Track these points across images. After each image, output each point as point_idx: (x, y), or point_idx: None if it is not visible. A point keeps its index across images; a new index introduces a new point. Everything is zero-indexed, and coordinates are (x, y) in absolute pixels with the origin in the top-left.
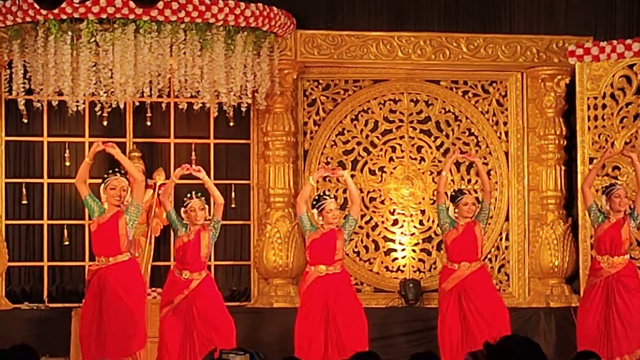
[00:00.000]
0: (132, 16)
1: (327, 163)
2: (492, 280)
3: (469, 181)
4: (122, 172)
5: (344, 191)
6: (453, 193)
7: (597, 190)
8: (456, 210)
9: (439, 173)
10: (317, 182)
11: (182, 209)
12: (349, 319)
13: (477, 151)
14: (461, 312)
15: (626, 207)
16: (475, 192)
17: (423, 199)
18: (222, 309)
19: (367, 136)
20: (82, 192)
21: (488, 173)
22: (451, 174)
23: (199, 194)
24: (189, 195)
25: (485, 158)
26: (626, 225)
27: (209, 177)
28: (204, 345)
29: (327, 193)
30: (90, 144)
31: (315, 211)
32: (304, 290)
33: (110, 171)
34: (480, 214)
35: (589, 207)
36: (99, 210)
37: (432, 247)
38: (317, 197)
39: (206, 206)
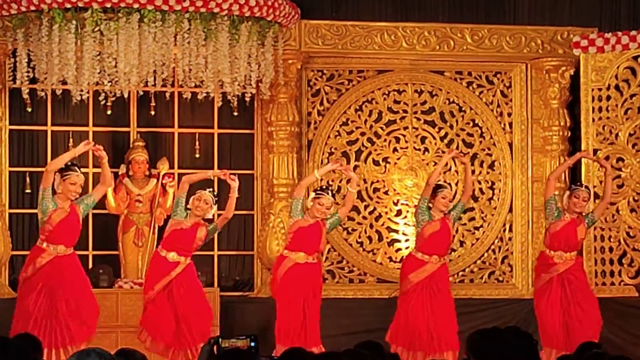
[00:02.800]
0: (136, 5)
1: (331, 154)
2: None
3: (473, 172)
4: (79, 166)
5: (348, 181)
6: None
7: (594, 186)
8: (431, 202)
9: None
10: (322, 178)
11: (193, 196)
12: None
13: (481, 142)
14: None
15: (582, 210)
16: (479, 182)
17: None
18: (203, 295)
19: (371, 127)
20: (48, 182)
21: (492, 164)
22: (455, 165)
23: (214, 193)
24: (208, 190)
25: (489, 149)
26: (582, 226)
27: (212, 167)
28: (189, 328)
29: (330, 187)
30: (94, 133)
31: (312, 195)
32: (282, 276)
33: (71, 164)
34: (453, 210)
35: (549, 200)
36: (53, 204)
37: None
38: (321, 187)
39: (213, 206)
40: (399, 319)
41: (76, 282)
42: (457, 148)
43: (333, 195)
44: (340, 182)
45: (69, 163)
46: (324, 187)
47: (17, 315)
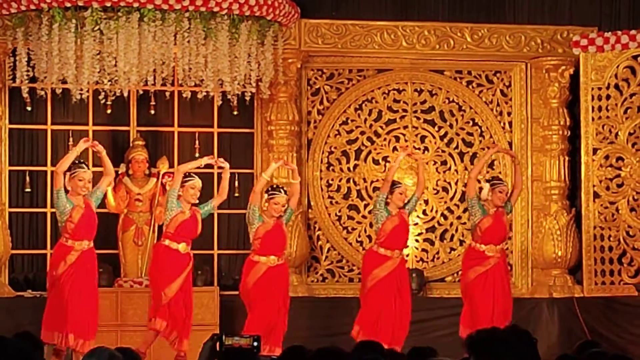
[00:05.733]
0: (136, 4)
1: (331, 152)
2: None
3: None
4: (85, 163)
5: (348, 180)
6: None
7: (593, 185)
8: (389, 198)
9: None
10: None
11: (184, 185)
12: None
13: (480, 141)
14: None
15: (503, 202)
16: (479, 182)
17: (427, 188)
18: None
19: (370, 126)
20: (59, 183)
21: (492, 163)
22: (455, 164)
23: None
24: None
25: (489, 148)
26: (505, 216)
27: (212, 166)
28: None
29: (280, 187)
30: (94, 132)
31: (266, 196)
32: (256, 282)
33: (77, 162)
34: (408, 204)
35: (472, 199)
36: (70, 203)
37: (435, 237)
38: (273, 187)
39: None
40: (370, 315)
41: (96, 275)
42: (458, 147)
43: (285, 192)
44: (340, 180)
45: (76, 161)
46: (275, 186)
47: (52, 310)
